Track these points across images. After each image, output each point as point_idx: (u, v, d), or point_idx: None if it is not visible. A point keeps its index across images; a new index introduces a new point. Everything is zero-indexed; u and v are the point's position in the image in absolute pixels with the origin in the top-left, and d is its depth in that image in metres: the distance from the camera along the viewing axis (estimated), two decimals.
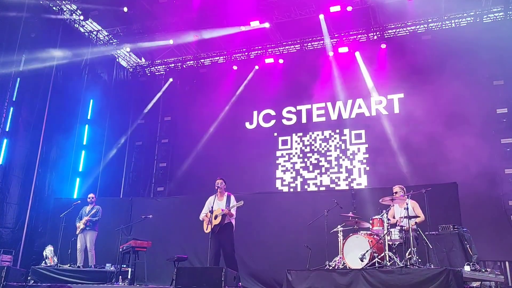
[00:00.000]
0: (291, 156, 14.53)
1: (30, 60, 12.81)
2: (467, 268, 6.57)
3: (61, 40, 13.75)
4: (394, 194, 7.77)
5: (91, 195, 10.36)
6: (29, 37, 12.77)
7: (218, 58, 16.19)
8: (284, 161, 14.55)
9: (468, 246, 7.38)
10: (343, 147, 14.00)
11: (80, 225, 9.80)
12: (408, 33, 13.95)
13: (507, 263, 9.61)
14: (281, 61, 15.10)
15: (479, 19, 13.10)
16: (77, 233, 9.83)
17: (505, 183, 11.46)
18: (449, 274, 6.00)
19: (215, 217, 7.67)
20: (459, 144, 11.61)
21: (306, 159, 14.31)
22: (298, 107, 14.85)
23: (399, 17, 13.57)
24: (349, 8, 13.03)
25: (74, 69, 14.36)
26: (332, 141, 14.20)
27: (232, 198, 7.90)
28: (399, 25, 13.97)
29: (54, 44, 13.56)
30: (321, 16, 13.66)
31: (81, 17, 14.34)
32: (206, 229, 7.74)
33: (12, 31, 12.25)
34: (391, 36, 14.22)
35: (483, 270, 6.83)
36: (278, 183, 14.33)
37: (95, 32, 15.40)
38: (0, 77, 11.97)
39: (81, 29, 14.99)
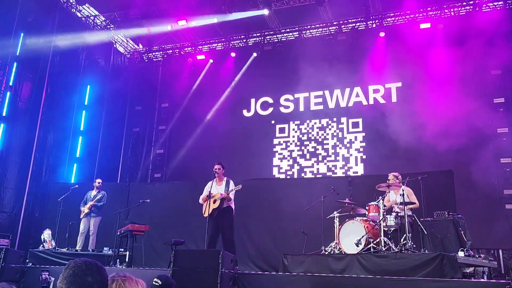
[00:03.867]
0: (289, 144, 14.57)
1: (27, 44, 12.79)
2: (461, 253, 6.67)
3: (58, 24, 13.66)
4: (388, 180, 7.86)
5: (99, 180, 10.36)
6: (25, 21, 12.71)
7: (216, 44, 16.16)
8: (281, 149, 14.59)
9: (462, 232, 7.48)
10: (340, 135, 14.03)
11: (85, 209, 9.84)
12: (407, 21, 13.94)
13: (500, 251, 9.71)
14: (279, 48, 15.07)
15: (478, 8, 13.10)
16: (81, 217, 9.87)
17: (500, 172, 11.57)
18: (443, 259, 6.11)
19: (214, 201, 7.72)
20: (456, 133, 11.68)
21: (303, 147, 14.35)
22: (296, 95, 14.84)
23: (398, 5, 13.57)
24: None
25: (71, 54, 14.28)
26: (329, 129, 14.23)
27: (231, 182, 7.96)
28: (398, 13, 13.95)
29: (51, 28, 13.48)
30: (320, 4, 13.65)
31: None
32: (205, 213, 7.79)
33: (8, 15, 12.18)
34: (390, 24, 14.21)
35: (477, 256, 6.94)
36: (275, 171, 14.38)
37: (92, 17, 15.31)
38: None
39: (78, 14, 14.91)
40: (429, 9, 13.60)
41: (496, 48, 12.34)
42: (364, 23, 14.38)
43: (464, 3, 13.22)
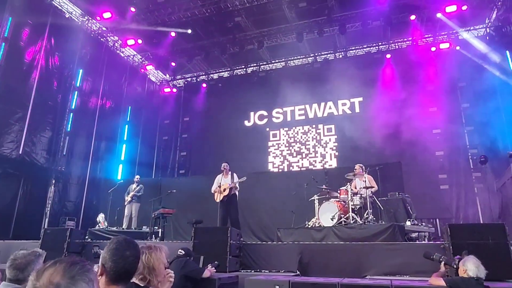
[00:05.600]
0: (279, 145, 14.56)
1: (85, 77, 12.93)
2: (408, 223, 6.66)
3: (107, 62, 13.78)
4: (356, 170, 7.85)
5: (137, 176, 10.26)
6: (84, 60, 12.88)
7: (223, 73, 16.18)
8: (274, 149, 14.58)
9: (409, 207, 7.46)
10: (318, 138, 14.03)
11: (128, 198, 9.79)
12: (365, 53, 13.96)
13: (437, 220, 9.70)
14: (271, 74, 15.09)
15: (415, 43, 13.12)
16: (125, 204, 9.82)
17: (436, 162, 11.60)
18: (395, 228, 6.10)
19: (224, 190, 7.70)
20: (403, 134, 11.69)
21: (290, 147, 14.34)
22: (284, 109, 14.83)
23: (359, 40, 13.59)
24: (322, 35, 13.03)
25: (116, 84, 14.39)
26: (310, 133, 14.23)
27: (235, 175, 7.92)
28: (359, 46, 13.96)
29: (102, 65, 13.58)
30: (300, 40, 13.65)
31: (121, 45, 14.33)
32: (217, 199, 7.77)
33: (71, 57, 12.37)
34: (353, 55, 14.23)
35: (419, 224, 6.93)
36: (270, 166, 14.35)
37: (131, 56, 15.38)
38: (62, 89, 12.11)
39: (121, 54, 14.98)
40: (380, 43, 13.64)
41: (427, 70, 12.43)
42: (334, 54, 14.41)
43: (405, 39, 13.26)
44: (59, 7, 12.18)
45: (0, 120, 9.93)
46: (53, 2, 11.87)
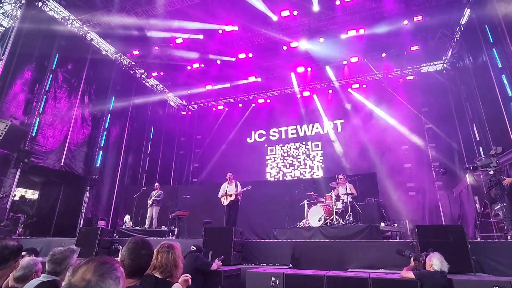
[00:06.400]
0: (276, 158, 14.52)
1: (117, 102, 12.98)
2: (382, 224, 6.59)
3: (135, 90, 13.90)
4: (338, 179, 7.81)
5: (157, 184, 10.22)
6: (115, 88, 12.92)
7: (230, 99, 16.27)
8: (271, 162, 14.53)
9: (383, 210, 7.38)
10: (307, 152, 14.00)
11: (150, 202, 9.66)
12: (344, 84, 14.09)
13: (407, 221, 9.57)
14: (268, 100, 15.17)
15: (385, 75, 13.24)
16: (147, 207, 9.71)
17: (405, 172, 11.52)
18: (372, 228, 6.02)
19: (230, 195, 7.63)
20: (378, 149, 11.70)
21: (284, 160, 14.29)
22: (280, 128, 14.87)
23: (342, 73, 13.75)
24: (309, 69, 13.22)
25: (142, 108, 14.46)
26: (301, 149, 14.20)
27: (238, 183, 7.87)
28: (341, 79, 14.09)
29: (130, 93, 13.69)
30: (292, 74, 13.85)
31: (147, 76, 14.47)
32: (224, 203, 7.69)
33: (105, 85, 12.43)
34: (334, 86, 14.35)
35: (392, 225, 6.84)
36: (267, 176, 14.29)
37: (155, 85, 15.52)
38: (98, 112, 12.13)
39: (147, 84, 15.11)
40: (357, 76, 13.76)
41: (396, 97, 12.48)
42: (319, 84, 14.52)
43: (378, 72, 13.36)
44: (97, 46, 12.40)
45: (48, 140, 9.96)
46: (92, 42, 12.10)
